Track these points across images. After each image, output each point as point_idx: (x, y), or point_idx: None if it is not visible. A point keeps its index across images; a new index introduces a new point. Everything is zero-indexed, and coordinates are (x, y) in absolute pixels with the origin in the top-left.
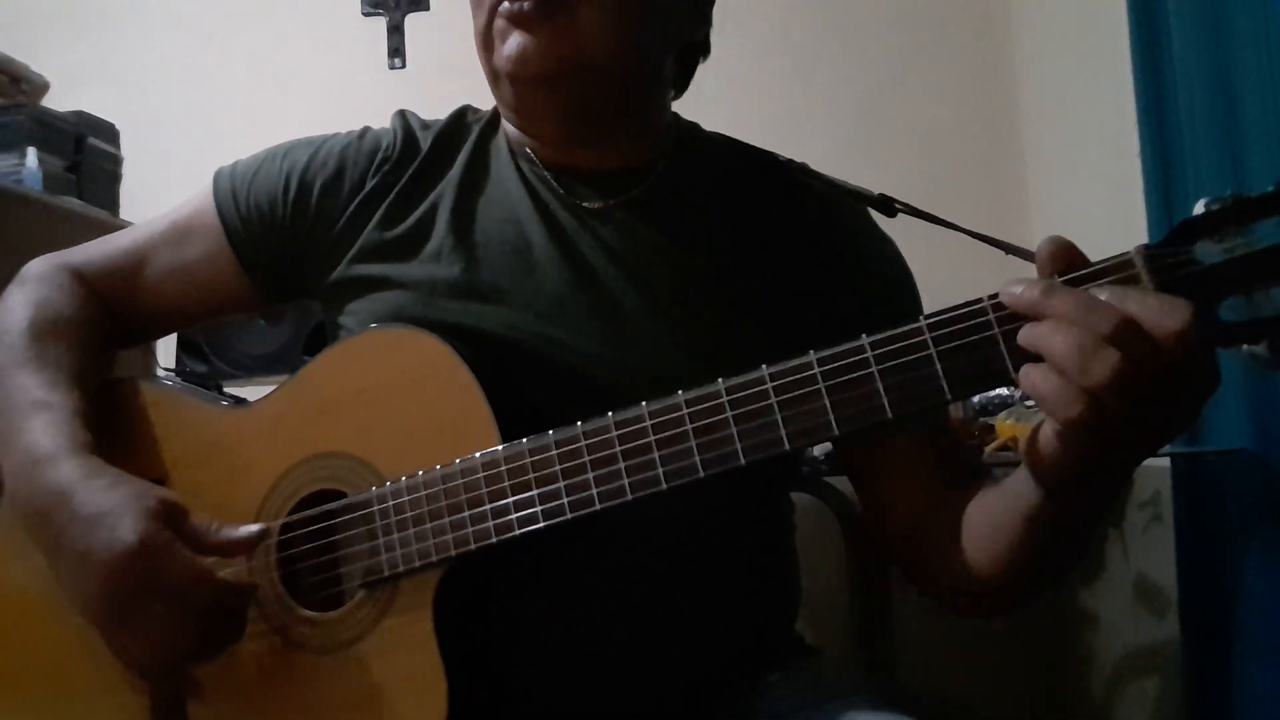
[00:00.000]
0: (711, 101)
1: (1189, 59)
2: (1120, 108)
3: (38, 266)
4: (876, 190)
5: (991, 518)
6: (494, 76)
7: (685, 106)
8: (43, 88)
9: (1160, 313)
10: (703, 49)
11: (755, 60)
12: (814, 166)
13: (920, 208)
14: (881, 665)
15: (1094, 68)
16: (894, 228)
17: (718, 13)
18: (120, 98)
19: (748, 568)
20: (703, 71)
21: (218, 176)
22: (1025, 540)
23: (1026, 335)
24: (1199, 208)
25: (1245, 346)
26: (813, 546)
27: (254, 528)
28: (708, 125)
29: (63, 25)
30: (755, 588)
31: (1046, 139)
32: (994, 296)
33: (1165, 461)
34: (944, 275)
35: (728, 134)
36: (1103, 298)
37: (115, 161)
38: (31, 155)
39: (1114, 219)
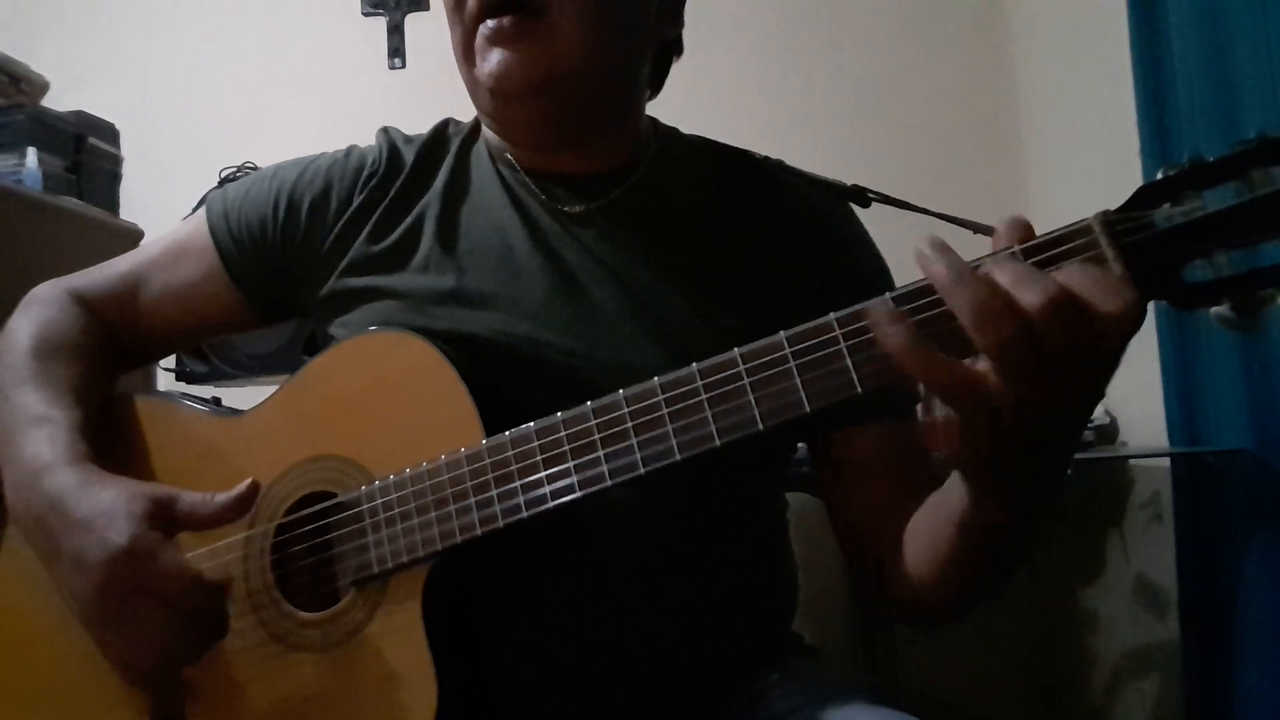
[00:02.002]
0: (712, 101)
1: (1189, 59)
2: (1120, 107)
3: (43, 291)
4: (876, 187)
5: (931, 522)
6: (474, 86)
7: (686, 105)
8: (43, 88)
9: (1102, 289)
10: (676, 48)
11: (755, 59)
12: (814, 165)
13: (920, 205)
14: (881, 665)
15: (1094, 67)
16: (871, 216)
17: (718, 10)
18: (120, 98)
19: (741, 565)
20: (703, 70)
21: (210, 200)
22: (955, 542)
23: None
24: (1159, 173)
25: (1212, 310)
26: (813, 546)
27: (244, 484)
28: (709, 124)
29: (63, 25)
30: (750, 585)
31: (1046, 138)
32: None
33: (1165, 461)
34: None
35: (729, 132)
36: (1051, 274)
37: (115, 161)
38: (31, 155)
39: None
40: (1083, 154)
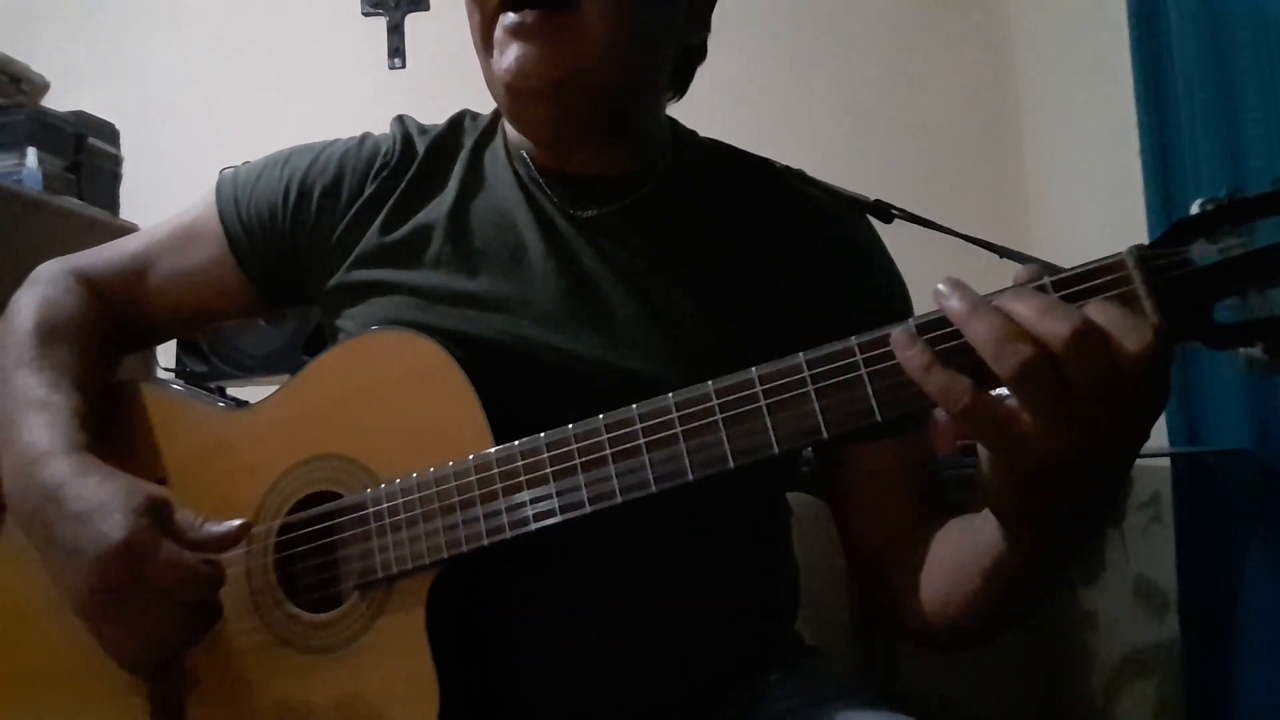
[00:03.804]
0: (711, 101)
1: (1189, 59)
2: (1120, 108)
3: (48, 269)
4: (876, 190)
5: (956, 555)
6: (491, 79)
7: (685, 106)
8: (43, 88)
9: (1125, 326)
10: (700, 53)
11: (755, 59)
12: (814, 166)
13: (919, 208)
14: (881, 665)
15: (1094, 68)
16: (890, 230)
17: (718, 13)
18: (120, 98)
19: (745, 565)
20: (703, 71)
21: (220, 183)
22: (983, 579)
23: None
24: (1195, 208)
25: (1242, 350)
26: (813, 546)
27: (235, 523)
28: (708, 124)
29: (63, 25)
30: (753, 587)
31: (1046, 139)
32: None
33: (1165, 461)
34: (941, 279)
35: (728, 133)
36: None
37: (115, 161)
38: (31, 155)
39: (1114, 219)
40: (1083, 154)
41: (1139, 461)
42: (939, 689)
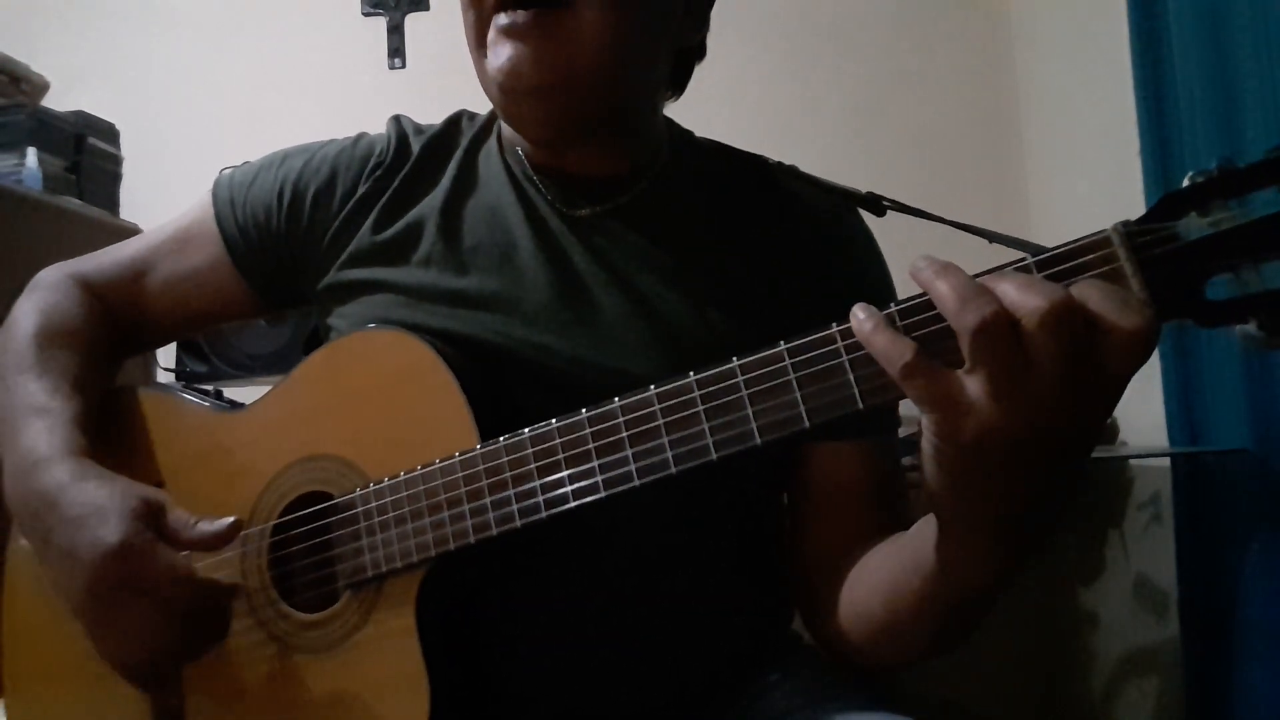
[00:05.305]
0: (711, 101)
1: (1189, 59)
2: (1120, 107)
3: (48, 275)
4: (876, 187)
5: (892, 568)
6: (484, 78)
7: (686, 104)
8: (43, 88)
9: (1110, 306)
10: (698, 52)
11: (756, 57)
12: (815, 167)
13: (920, 205)
14: None
15: (1094, 66)
16: (885, 225)
17: (718, 12)
18: (120, 98)
19: (740, 562)
20: (703, 68)
21: (217, 185)
22: (918, 596)
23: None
24: (1186, 181)
25: (1237, 327)
26: None
27: (226, 521)
28: (707, 125)
29: (63, 25)
30: (747, 583)
31: (1046, 137)
32: None
33: (1165, 461)
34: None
35: (729, 133)
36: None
37: (115, 161)
38: (31, 155)
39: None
40: (1083, 154)
41: (1139, 461)
42: (939, 689)
